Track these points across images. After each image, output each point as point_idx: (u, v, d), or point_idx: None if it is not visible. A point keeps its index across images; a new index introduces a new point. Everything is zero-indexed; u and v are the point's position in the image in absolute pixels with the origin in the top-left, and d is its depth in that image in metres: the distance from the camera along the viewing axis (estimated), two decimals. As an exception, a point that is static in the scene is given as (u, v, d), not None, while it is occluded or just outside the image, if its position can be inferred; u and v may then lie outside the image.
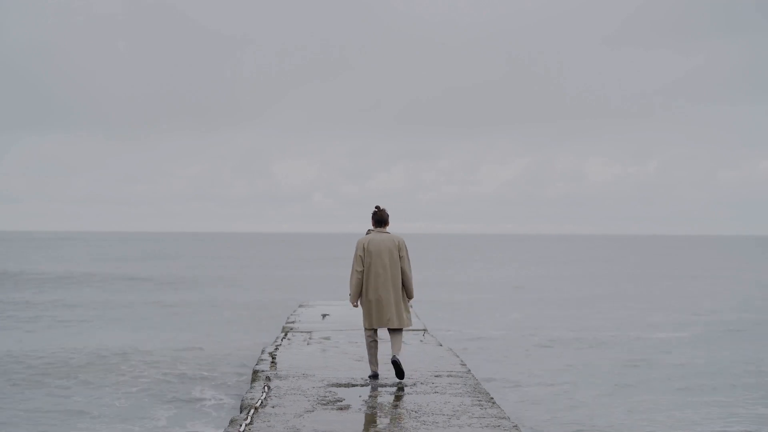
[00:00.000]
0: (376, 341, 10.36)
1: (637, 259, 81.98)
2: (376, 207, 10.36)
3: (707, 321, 25.59)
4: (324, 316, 17.87)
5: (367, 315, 10.15)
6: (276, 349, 13.31)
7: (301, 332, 15.52)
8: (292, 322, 17.34)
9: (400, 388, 9.88)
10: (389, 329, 10.19)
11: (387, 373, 10.99)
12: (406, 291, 10.23)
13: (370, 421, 8.27)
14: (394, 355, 10.14)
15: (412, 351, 13.17)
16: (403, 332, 12.65)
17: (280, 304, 30.25)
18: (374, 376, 10.46)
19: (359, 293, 10.18)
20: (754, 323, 24.93)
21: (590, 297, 35.21)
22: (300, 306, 21.77)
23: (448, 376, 10.82)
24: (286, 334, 15.21)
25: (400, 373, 10.19)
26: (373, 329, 10.23)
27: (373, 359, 10.42)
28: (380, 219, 10.32)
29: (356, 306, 10.28)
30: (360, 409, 8.71)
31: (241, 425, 8.01)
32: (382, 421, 8.21)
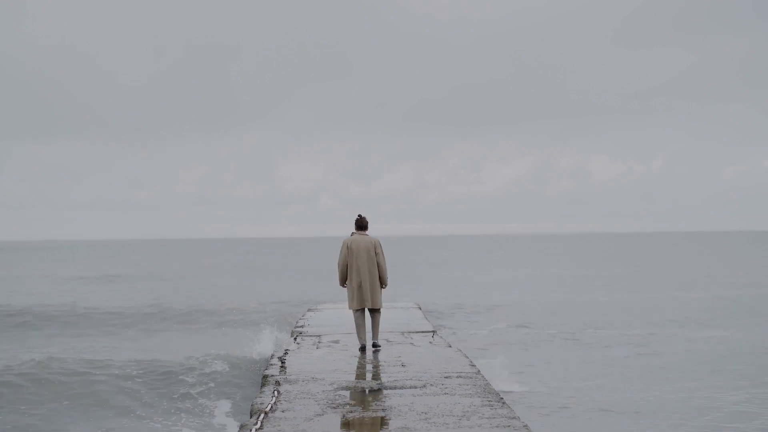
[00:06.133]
0: (362, 319, 13.15)
1: (643, 257, 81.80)
2: (359, 215, 13.06)
3: (714, 318, 25.53)
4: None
5: (351, 298, 12.97)
6: (285, 353, 13.31)
7: (311, 336, 15.52)
8: (301, 326, 17.35)
9: (377, 349, 13.10)
10: (370, 309, 13.06)
11: (395, 374, 10.99)
12: (381, 280, 13.05)
13: (381, 423, 8.26)
14: (374, 342, 13.33)
15: (421, 353, 13.17)
16: (412, 334, 14.98)
17: (289, 308, 30.25)
18: (362, 348, 13.18)
19: (344, 279, 13.04)
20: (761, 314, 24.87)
21: (603, 295, 35.14)
22: (309, 310, 21.79)
23: (457, 377, 10.81)
24: (295, 339, 15.22)
25: (375, 346, 13.30)
26: (356, 309, 13.04)
27: (360, 333, 13.22)
28: (361, 225, 13.06)
29: (344, 287, 13.10)
30: (370, 412, 8.70)
31: (251, 430, 8.01)
32: (393, 424, 8.20)
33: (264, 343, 16.77)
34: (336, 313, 20.30)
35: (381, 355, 12.79)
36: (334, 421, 8.36)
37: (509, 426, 7.99)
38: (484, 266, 66.36)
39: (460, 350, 13.58)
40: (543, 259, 78.80)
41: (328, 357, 12.79)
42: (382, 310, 13.42)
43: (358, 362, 12.24)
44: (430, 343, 14.34)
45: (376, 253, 12.83)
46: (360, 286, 12.83)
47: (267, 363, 12.94)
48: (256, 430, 8.01)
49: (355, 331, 14.20)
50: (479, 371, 11.41)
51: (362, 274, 12.80)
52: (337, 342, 14.53)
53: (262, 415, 8.61)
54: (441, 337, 15.41)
